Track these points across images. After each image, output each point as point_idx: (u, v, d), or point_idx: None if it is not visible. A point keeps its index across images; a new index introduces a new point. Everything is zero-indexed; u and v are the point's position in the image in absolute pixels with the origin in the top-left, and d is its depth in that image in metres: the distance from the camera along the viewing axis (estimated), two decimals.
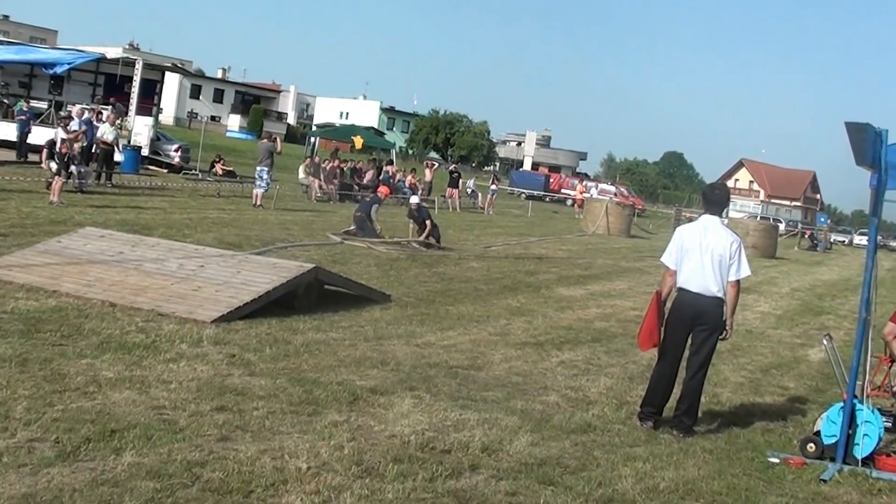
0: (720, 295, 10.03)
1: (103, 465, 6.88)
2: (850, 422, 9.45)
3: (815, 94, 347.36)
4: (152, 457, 7.16)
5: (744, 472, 8.92)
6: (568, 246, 35.48)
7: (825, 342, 10.52)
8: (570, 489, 7.76)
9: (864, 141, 9.21)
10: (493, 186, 59.41)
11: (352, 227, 26.45)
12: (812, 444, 9.66)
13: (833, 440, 9.55)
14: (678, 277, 10.22)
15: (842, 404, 9.63)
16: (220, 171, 46.97)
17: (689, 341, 10.24)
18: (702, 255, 10.02)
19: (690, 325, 10.13)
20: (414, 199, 28.42)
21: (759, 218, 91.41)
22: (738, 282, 10.13)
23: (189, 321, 12.42)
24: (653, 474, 8.49)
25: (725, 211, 10.56)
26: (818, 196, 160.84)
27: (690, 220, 64.06)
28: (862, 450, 9.40)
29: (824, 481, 8.89)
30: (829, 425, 9.68)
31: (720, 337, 10.19)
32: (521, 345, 14.08)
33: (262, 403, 9.06)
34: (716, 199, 10.47)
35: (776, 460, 9.39)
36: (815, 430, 9.93)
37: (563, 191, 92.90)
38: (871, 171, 9.65)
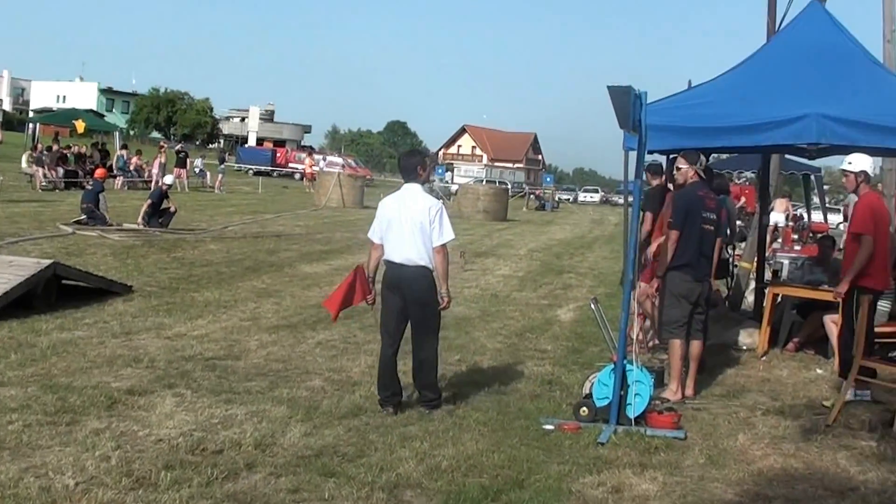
0: (424, 263, 9.71)
1: None
2: (622, 383, 9.54)
3: (531, 58, 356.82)
4: None
5: (521, 443, 8.84)
6: (304, 221, 35.11)
7: (592, 306, 10.61)
8: (352, 479, 7.51)
9: (626, 104, 9.23)
10: (223, 165, 58.40)
11: (82, 217, 25.47)
12: (585, 408, 9.69)
13: (606, 402, 9.63)
14: (385, 250, 9.91)
15: (612, 366, 9.72)
16: None
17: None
18: (402, 225, 9.70)
19: (401, 298, 9.80)
20: (168, 179, 29.40)
21: (484, 182, 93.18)
22: (443, 247, 9.72)
23: None
24: (432, 453, 8.33)
25: (425, 176, 10.13)
26: (540, 157, 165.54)
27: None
28: (634, 409, 9.51)
29: (602, 444, 8.93)
30: (600, 387, 9.75)
31: (440, 307, 9.94)
32: (274, 328, 13.73)
33: (15, 416, 8.42)
34: (406, 165, 10.02)
35: (551, 427, 9.36)
36: (586, 393, 9.98)
37: (290, 165, 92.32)
38: (633, 134, 9.73)
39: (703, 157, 11.86)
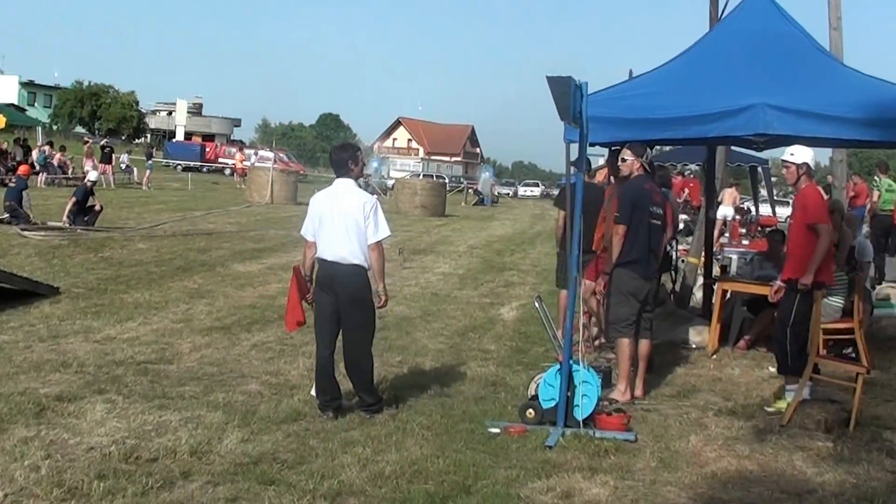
0: (358, 262, 9.62)
1: None
2: (568, 383, 9.51)
3: (467, 48, 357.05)
4: None
5: (467, 447, 8.80)
6: (236, 218, 34.82)
7: (536, 304, 10.57)
8: (293, 487, 7.45)
9: (567, 95, 9.18)
10: (150, 161, 58.01)
11: (5, 216, 25.15)
12: (531, 410, 9.66)
13: (552, 404, 9.58)
14: (318, 247, 9.80)
15: (558, 366, 9.67)
16: None
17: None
18: (335, 221, 9.61)
19: (334, 298, 9.69)
20: (93, 175, 29.07)
21: (421, 176, 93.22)
22: (378, 244, 9.66)
23: None
24: (375, 459, 8.28)
25: (357, 170, 10.04)
26: (478, 150, 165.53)
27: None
28: (582, 411, 9.48)
29: (550, 447, 8.89)
30: (546, 389, 9.71)
31: (378, 306, 9.90)
32: (207, 330, 13.63)
33: None
34: (337, 160, 9.92)
35: (497, 430, 9.32)
36: (531, 394, 9.95)
37: (220, 160, 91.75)
38: (574, 126, 9.69)
39: (648, 150, 11.86)
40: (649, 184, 11.50)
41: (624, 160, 11.58)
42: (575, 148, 10.21)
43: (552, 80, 9.17)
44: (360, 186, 10.03)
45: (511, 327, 15.50)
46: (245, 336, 13.41)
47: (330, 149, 10.61)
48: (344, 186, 9.80)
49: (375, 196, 10.14)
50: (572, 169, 10.33)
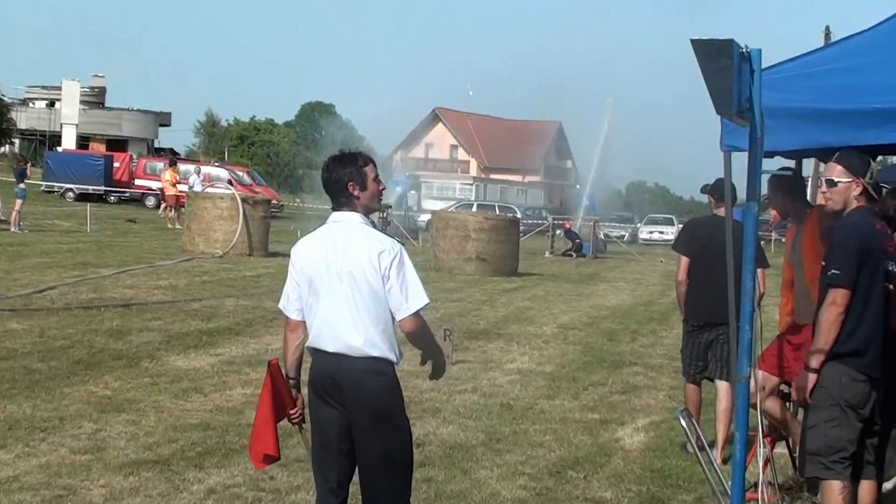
0: (378, 353, 9.22)
1: None
2: None
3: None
4: None
5: None
6: (170, 279, 35.09)
7: (682, 422, 10.56)
8: None
9: (726, 70, 8.77)
10: (22, 186, 58.60)
11: None
12: None
13: None
14: (310, 331, 9.53)
15: None
16: None
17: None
18: (335, 287, 9.26)
19: (342, 414, 9.36)
20: None
21: (475, 207, 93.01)
22: (414, 318, 9.25)
23: None
24: None
25: (367, 196, 9.43)
26: (570, 164, 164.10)
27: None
28: None
29: None
30: None
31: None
32: (132, 466, 13.71)
33: None
34: (331, 181, 9.50)
35: None
36: None
37: (138, 182, 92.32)
38: (740, 123, 9.40)
39: (872, 163, 11.44)
40: (879, 222, 10.93)
41: (834, 183, 11.15)
42: (742, 159, 10.04)
43: (701, 47, 8.71)
44: (373, 225, 9.62)
45: (637, 461, 15.47)
46: (194, 475, 13.49)
47: (322, 164, 9.89)
48: (346, 226, 9.42)
49: (398, 240, 9.69)
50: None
